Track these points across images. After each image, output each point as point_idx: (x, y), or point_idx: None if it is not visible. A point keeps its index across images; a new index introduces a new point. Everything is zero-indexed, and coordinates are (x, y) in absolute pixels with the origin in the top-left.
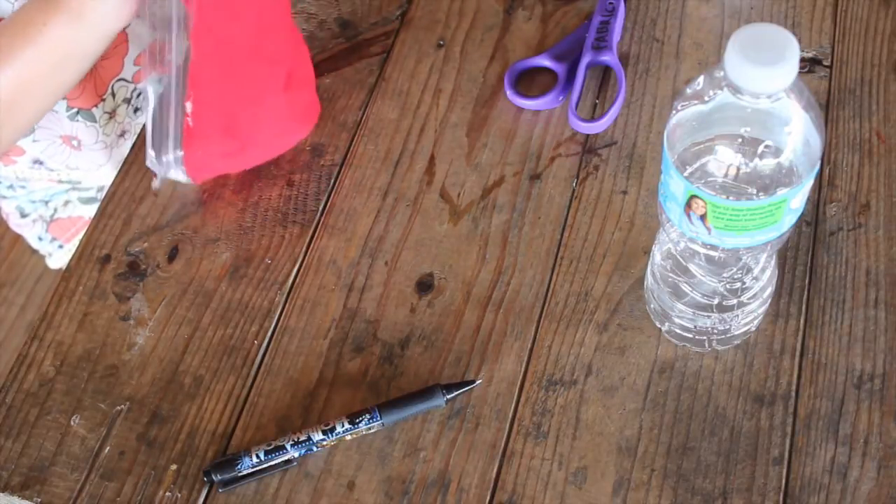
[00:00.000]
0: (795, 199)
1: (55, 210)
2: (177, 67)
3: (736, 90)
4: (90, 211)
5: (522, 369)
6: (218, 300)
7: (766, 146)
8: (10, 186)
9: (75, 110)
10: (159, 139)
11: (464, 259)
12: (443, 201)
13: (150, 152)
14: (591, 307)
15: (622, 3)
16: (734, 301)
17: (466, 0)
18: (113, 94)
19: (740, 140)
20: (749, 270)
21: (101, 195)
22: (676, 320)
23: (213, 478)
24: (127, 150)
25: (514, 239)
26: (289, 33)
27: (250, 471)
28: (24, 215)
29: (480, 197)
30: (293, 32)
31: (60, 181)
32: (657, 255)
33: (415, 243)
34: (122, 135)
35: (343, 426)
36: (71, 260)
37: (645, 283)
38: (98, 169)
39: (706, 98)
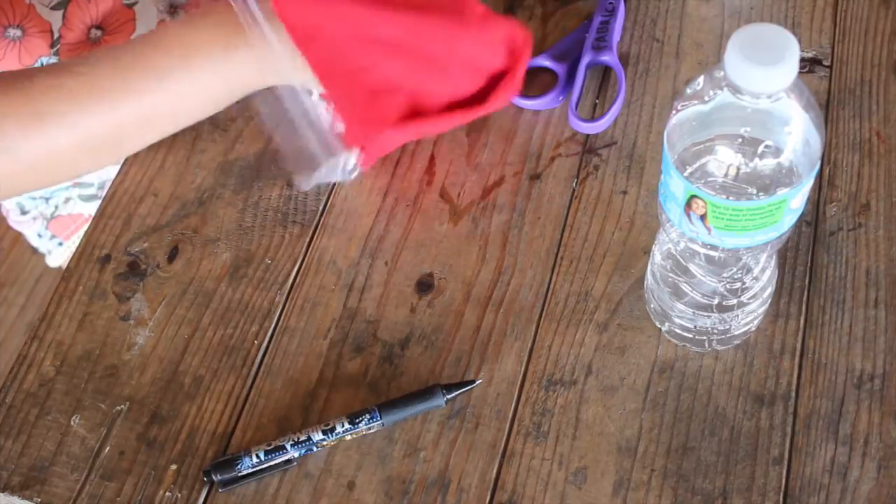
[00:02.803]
0: (795, 199)
1: (56, 207)
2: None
3: (736, 90)
4: (90, 208)
5: (522, 369)
6: (218, 300)
7: (766, 146)
8: None
9: None
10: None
11: (464, 259)
12: (443, 201)
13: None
14: (591, 307)
15: (622, 3)
16: (734, 301)
17: None
18: None
19: (740, 140)
20: (749, 270)
21: (102, 193)
22: (676, 320)
23: (213, 478)
24: None
25: (514, 239)
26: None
27: (250, 471)
28: (24, 212)
29: (480, 197)
30: None
31: None
32: (657, 255)
33: (415, 243)
34: None
35: (343, 426)
36: (71, 260)
37: (645, 283)
38: None
39: (706, 98)
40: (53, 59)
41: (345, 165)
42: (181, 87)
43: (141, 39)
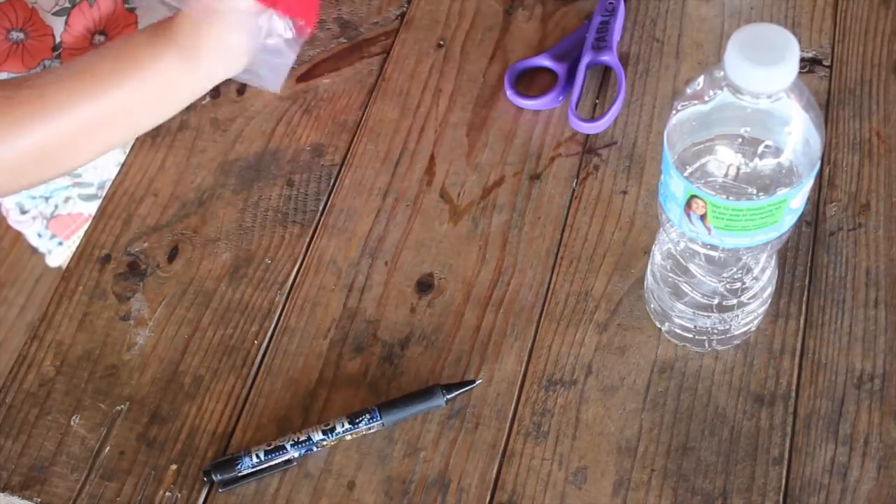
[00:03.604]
0: (795, 199)
1: (56, 207)
2: None
3: (736, 90)
4: (90, 208)
5: (522, 369)
6: (218, 300)
7: (766, 146)
8: None
9: None
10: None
11: (464, 259)
12: (443, 201)
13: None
14: (591, 307)
15: (622, 3)
16: (734, 301)
17: (466, 0)
18: None
19: (740, 140)
20: (749, 270)
21: (102, 192)
22: (676, 320)
23: (213, 478)
24: None
25: (514, 239)
26: None
27: (250, 471)
28: (24, 212)
29: (480, 197)
30: None
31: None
32: (657, 255)
33: (415, 243)
34: None
35: (343, 426)
36: (71, 260)
37: (645, 283)
38: None
39: (706, 98)
40: (56, 63)
41: (284, 33)
42: (118, 94)
43: (93, 51)
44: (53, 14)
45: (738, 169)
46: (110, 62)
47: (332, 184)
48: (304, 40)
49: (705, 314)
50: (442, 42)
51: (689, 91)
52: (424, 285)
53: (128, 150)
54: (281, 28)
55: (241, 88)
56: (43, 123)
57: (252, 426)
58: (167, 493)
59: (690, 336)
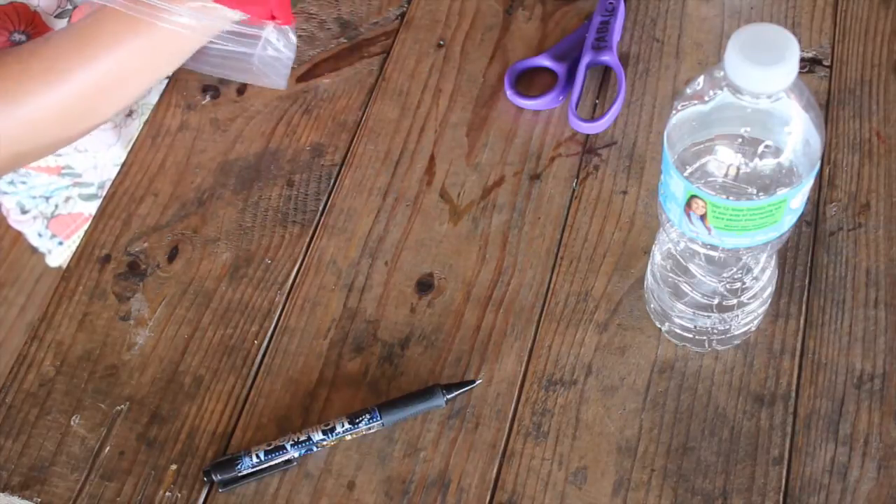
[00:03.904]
0: (795, 199)
1: (56, 206)
2: None
3: (736, 90)
4: (90, 208)
5: (522, 369)
6: (218, 300)
7: (766, 146)
8: (11, 182)
9: None
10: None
11: (464, 259)
12: (443, 201)
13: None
14: (591, 307)
15: (622, 3)
16: (734, 301)
17: (466, 0)
18: None
19: (740, 140)
20: (749, 270)
21: (102, 192)
22: (676, 320)
23: (213, 478)
24: (135, 130)
25: (514, 239)
26: None
27: (250, 471)
28: (24, 211)
29: (480, 197)
30: None
31: (63, 174)
32: (657, 255)
33: (415, 243)
34: (129, 114)
35: (343, 426)
36: (71, 260)
37: (645, 283)
38: (108, 149)
39: (706, 98)
40: None
41: (280, 38)
42: (102, 67)
43: (81, 22)
44: (56, 17)
45: (738, 169)
46: (112, 24)
47: (332, 184)
48: (295, 34)
49: (705, 314)
50: (442, 42)
51: (689, 91)
52: (424, 285)
53: (128, 150)
54: (271, 35)
55: (242, 88)
56: (53, 88)
57: (252, 426)
58: (167, 493)
59: (690, 336)
